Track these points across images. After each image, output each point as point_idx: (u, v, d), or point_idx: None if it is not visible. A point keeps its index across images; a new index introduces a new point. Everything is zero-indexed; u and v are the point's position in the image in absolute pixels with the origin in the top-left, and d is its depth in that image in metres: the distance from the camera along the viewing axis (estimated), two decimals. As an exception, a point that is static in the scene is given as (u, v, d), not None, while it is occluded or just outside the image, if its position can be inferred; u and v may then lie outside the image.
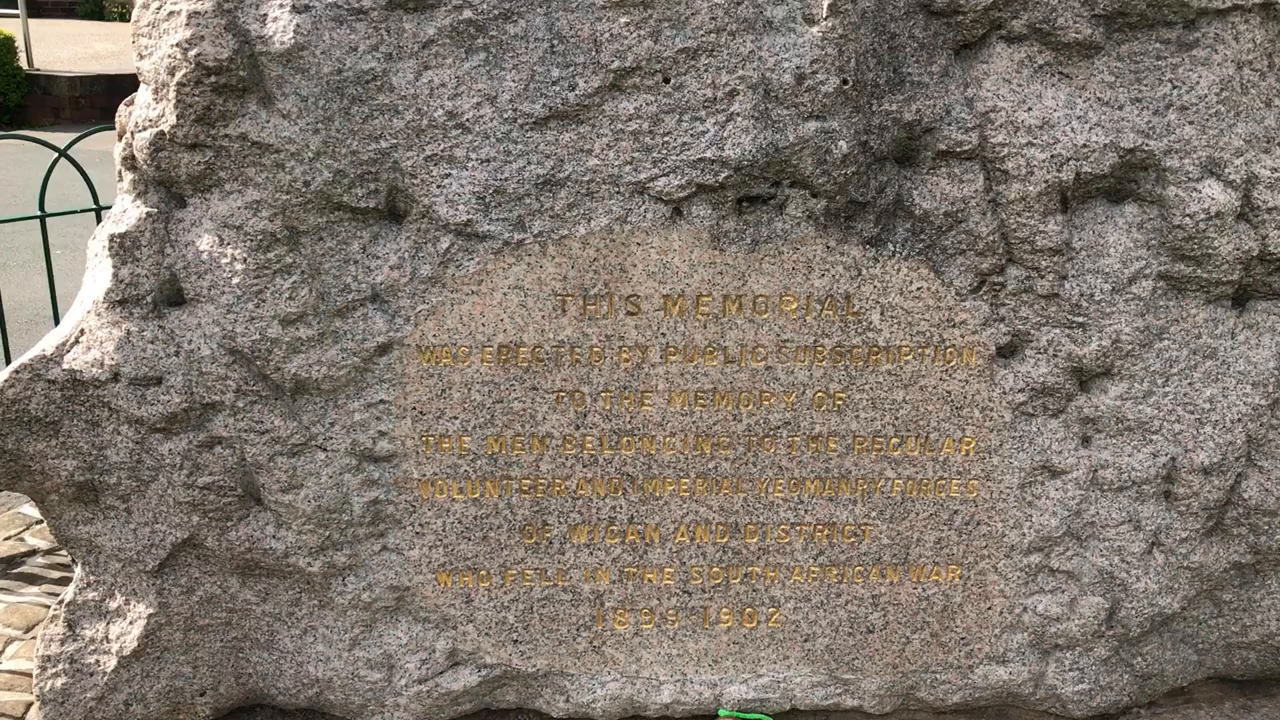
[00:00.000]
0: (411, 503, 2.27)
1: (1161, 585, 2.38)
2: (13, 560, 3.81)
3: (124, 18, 24.26)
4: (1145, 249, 2.17)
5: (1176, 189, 2.12)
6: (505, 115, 2.06)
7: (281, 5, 1.98)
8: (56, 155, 4.02)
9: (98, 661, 2.33)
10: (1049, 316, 2.20)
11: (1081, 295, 2.18)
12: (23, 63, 14.17)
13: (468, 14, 2.02)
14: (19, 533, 3.98)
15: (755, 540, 2.35)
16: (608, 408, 2.23)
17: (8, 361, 4.19)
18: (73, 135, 3.97)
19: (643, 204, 2.10)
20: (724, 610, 2.40)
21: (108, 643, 2.33)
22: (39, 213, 4.12)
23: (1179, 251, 2.15)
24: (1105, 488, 2.31)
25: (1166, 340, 2.22)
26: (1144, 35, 2.08)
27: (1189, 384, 2.25)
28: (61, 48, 16.52)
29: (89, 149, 4.19)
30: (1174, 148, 2.11)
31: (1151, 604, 2.39)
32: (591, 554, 2.34)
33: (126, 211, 2.11)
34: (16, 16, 14.44)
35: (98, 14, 25.07)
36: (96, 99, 14.12)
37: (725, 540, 2.34)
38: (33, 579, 3.68)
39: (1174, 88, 2.09)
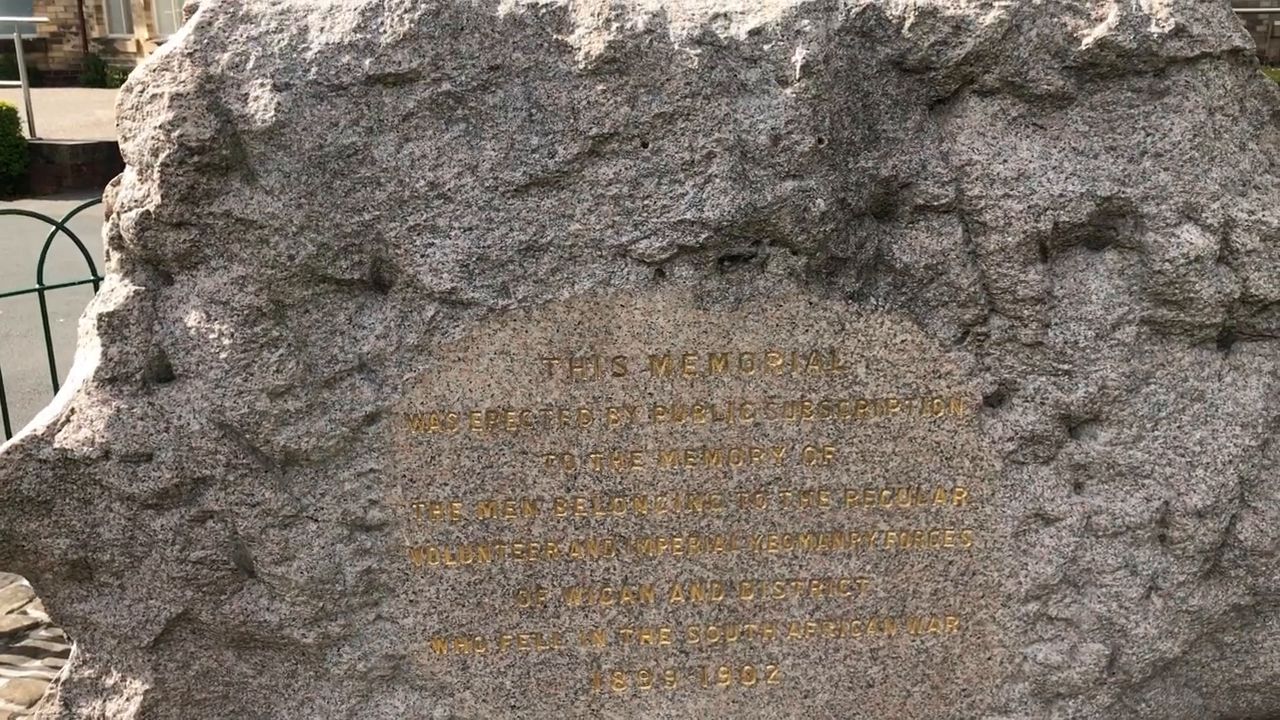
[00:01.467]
0: (404, 571, 2.27)
1: (1161, 630, 2.36)
2: (15, 634, 3.81)
3: (125, 84, 24.54)
4: (1127, 295, 2.18)
5: (1155, 235, 2.13)
6: (486, 184, 2.08)
7: (262, 84, 2.01)
8: (54, 228, 4.07)
9: (95, 740, 2.32)
10: (1034, 365, 2.21)
11: (1066, 343, 2.19)
12: (25, 132, 14.34)
13: (446, 86, 2.04)
14: (21, 606, 3.98)
15: (751, 597, 2.34)
16: (598, 469, 2.24)
17: (8, 431, 4.21)
18: (75, 203, 4.01)
19: (625, 266, 2.12)
20: (722, 669, 2.39)
21: (104, 720, 2.32)
22: (38, 285, 4.16)
23: (1161, 296, 2.16)
24: (1100, 534, 2.31)
25: (1153, 385, 2.23)
26: (1115, 85, 2.10)
27: (1178, 427, 2.25)
28: (63, 116, 16.74)
29: (90, 215, 4.24)
30: (1150, 194, 2.12)
31: (1152, 649, 2.37)
32: (586, 616, 2.33)
33: (114, 290, 2.13)
34: (19, 87, 14.63)
35: (99, 81, 25.40)
36: (98, 166, 14.28)
37: (721, 598, 2.34)
38: (35, 653, 3.67)
39: (1148, 135, 2.11)
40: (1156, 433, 2.25)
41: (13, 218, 4.22)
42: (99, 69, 25.75)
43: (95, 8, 26.54)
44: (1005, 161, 2.11)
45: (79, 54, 26.54)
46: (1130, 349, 2.20)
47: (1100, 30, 2.06)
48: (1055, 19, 2.07)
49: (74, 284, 4.35)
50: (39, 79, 22.66)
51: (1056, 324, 2.18)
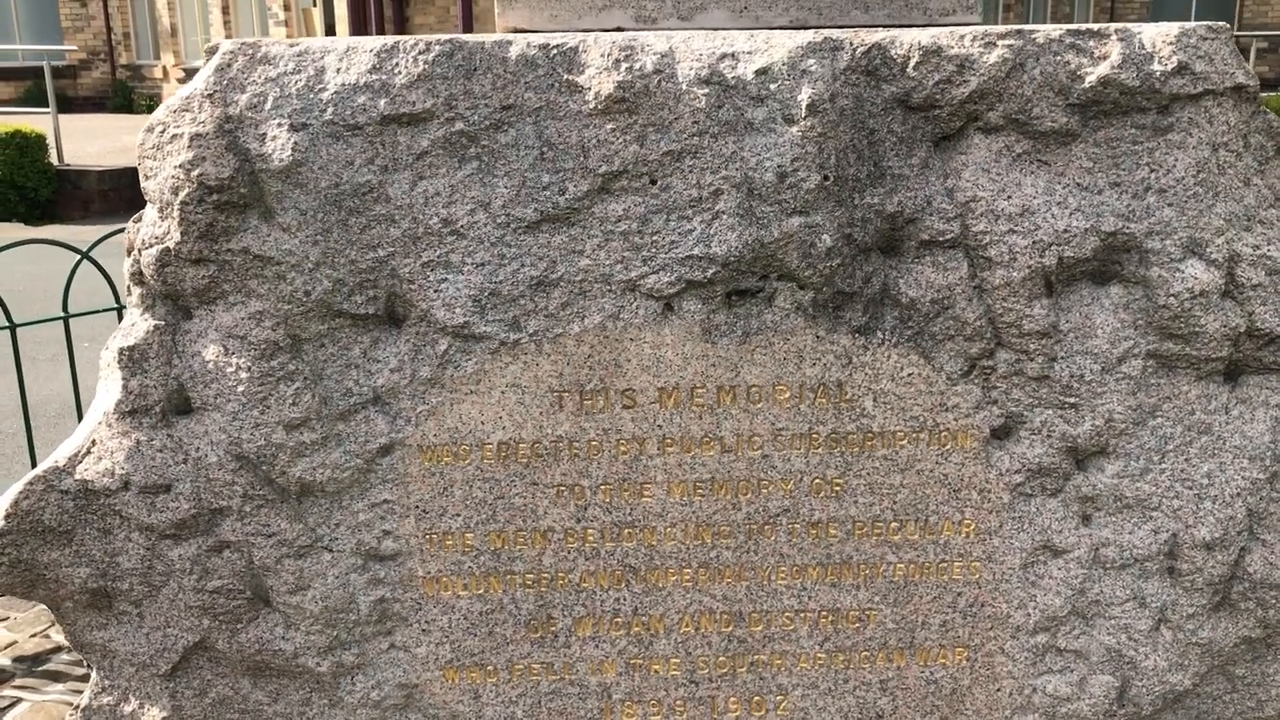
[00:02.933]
0: (417, 600, 2.30)
1: (1171, 662, 2.37)
2: (38, 658, 3.86)
3: (151, 109, 24.87)
4: (1133, 329, 2.19)
5: (1160, 269, 2.15)
6: (498, 220, 2.12)
7: (280, 124, 2.06)
8: (79, 258, 4.14)
9: (113, 766, 2.36)
10: (1041, 398, 2.22)
11: (1072, 376, 2.20)
12: (53, 158, 14.55)
13: (460, 125, 2.09)
14: (44, 629, 4.03)
15: (760, 628, 2.36)
16: (608, 500, 2.27)
17: (32, 455, 4.28)
18: (101, 228, 4.10)
19: (634, 301, 2.15)
20: (732, 699, 2.40)
21: (122, 747, 2.36)
22: (63, 314, 4.24)
23: (1166, 330, 2.18)
24: (1108, 566, 2.31)
25: (1160, 418, 2.24)
26: (1119, 121, 2.13)
27: (1185, 460, 2.26)
28: (91, 142, 16.96)
29: (115, 242, 4.32)
30: (1155, 229, 2.14)
31: (1162, 681, 2.38)
32: (597, 646, 2.35)
33: (135, 325, 2.18)
34: (48, 113, 14.85)
35: (127, 107, 25.72)
36: (124, 191, 14.46)
37: (730, 629, 2.36)
38: (58, 676, 3.73)
39: (1151, 171, 2.13)
40: (1164, 465, 2.26)
41: (36, 246, 4.32)
42: (126, 95, 26.10)
43: (123, 35, 26.91)
44: (1010, 197, 2.14)
45: (107, 81, 26.90)
46: (1136, 382, 2.21)
47: (1103, 68, 2.09)
48: (1059, 57, 2.10)
49: (98, 312, 4.43)
50: (67, 105, 22.99)
51: (1062, 358, 2.20)
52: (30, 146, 14.04)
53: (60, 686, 3.66)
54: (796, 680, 2.39)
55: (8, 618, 4.16)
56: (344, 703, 2.35)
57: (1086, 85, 2.09)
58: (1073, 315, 2.20)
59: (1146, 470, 2.26)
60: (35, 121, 14.86)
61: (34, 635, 4.02)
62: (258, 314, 2.13)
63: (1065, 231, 2.14)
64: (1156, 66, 2.10)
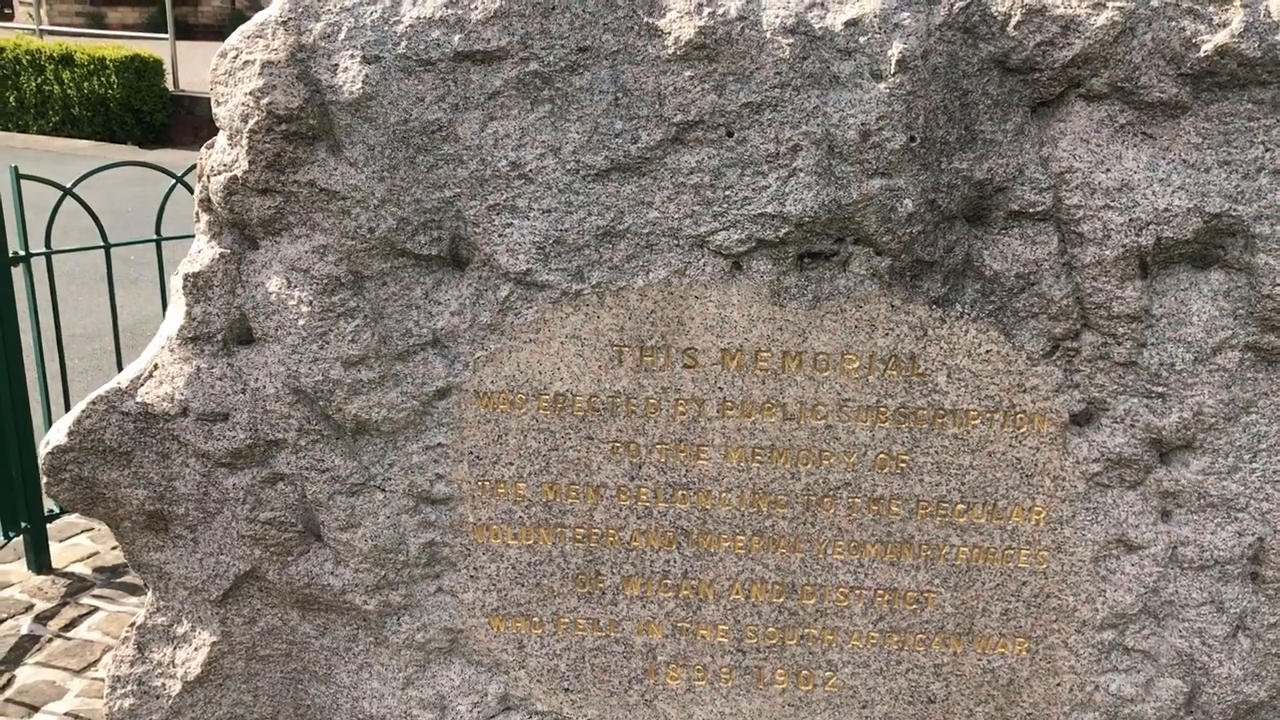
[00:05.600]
0: (467, 546, 2.28)
1: (1247, 672, 2.24)
2: (116, 570, 3.97)
3: (268, 40, 25.26)
4: (1232, 318, 2.05)
5: (1267, 257, 2.00)
6: (568, 167, 2.06)
7: (352, 56, 2.02)
8: (174, 182, 4.20)
9: (163, 685, 2.40)
10: (1127, 385, 2.10)
11: (1161, 364, 2.08)
12: (169, 84, 14.87)
13: (534, 66, 2.03)
14: (122, 543, 4.13)
15: (813, 602, 2.29)
16: (663, 460, 2.21)
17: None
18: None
19: (702, 258, 2.08)
20: (779, 671, 2.34)
21: (173, 667, 2.39)
22: (155, 236, 4.32)
23: (1269, 322, 2.03)
24: (1185, 566, 2.19)
25: (1254, 414, 2.10)
26: (1235, 95, 1.98)
27: (1279, 461, 2.12)
28: (206, 69, 17.24)
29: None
30: (1264, 213, 1.99)
31: (1235, 691, 2.25)
32: (644, 606, 2.31)
33: (201, 251, 2.18)
34: (166, 39, 15.17)
35: (244, 36, 26.03)
36: (235, 119, 14.68)
37: (781, 600, 2.29)
38: (134, 589, 3.83)
39: (1266, 150, 1.98)
40: (1255, 465, 2.13)
41: (144, 169, 4.40)
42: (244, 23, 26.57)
43: (244, -35, 27.34)
44: (1108, 171, 2.01)
45: (226, 10, 27.39)
46: (1231, 375, 2.08)
47: (1222, 36, 1.94)
48: (1173, 22, 1.95)
49: (188, 237, 4.49)
50: (187, 32, 23.47)
51: (1153, 344, 2.07)
52: (148, 71, 14.38)
53: (135, 599, 3.76)
54: (847, 658, 2.32)
55: (91, 529, 4.28)
56: (389, 642, 2.35)
57: (1202, 54, 1.94)
58: (1167, 300, 2.06)
59: (1235, 469, 2.13)
60: (154, 47, 15.19)
61: (114, 548, 4.13)
62: (321, 248, 2.11)
63: (1166, 210, 2.00)
64: (1281, 37, 1.94)
